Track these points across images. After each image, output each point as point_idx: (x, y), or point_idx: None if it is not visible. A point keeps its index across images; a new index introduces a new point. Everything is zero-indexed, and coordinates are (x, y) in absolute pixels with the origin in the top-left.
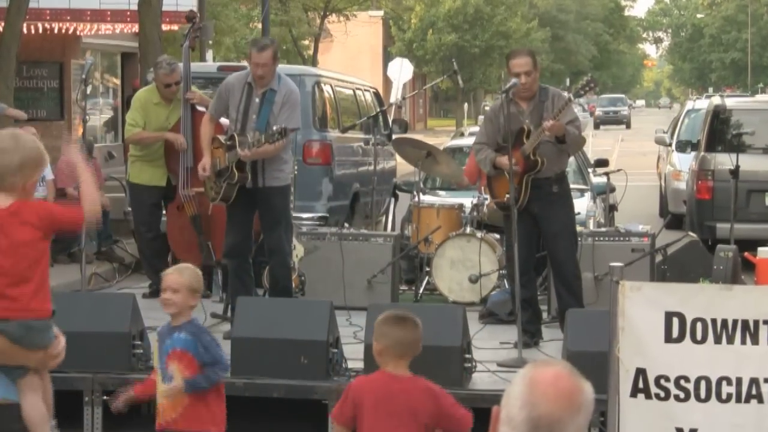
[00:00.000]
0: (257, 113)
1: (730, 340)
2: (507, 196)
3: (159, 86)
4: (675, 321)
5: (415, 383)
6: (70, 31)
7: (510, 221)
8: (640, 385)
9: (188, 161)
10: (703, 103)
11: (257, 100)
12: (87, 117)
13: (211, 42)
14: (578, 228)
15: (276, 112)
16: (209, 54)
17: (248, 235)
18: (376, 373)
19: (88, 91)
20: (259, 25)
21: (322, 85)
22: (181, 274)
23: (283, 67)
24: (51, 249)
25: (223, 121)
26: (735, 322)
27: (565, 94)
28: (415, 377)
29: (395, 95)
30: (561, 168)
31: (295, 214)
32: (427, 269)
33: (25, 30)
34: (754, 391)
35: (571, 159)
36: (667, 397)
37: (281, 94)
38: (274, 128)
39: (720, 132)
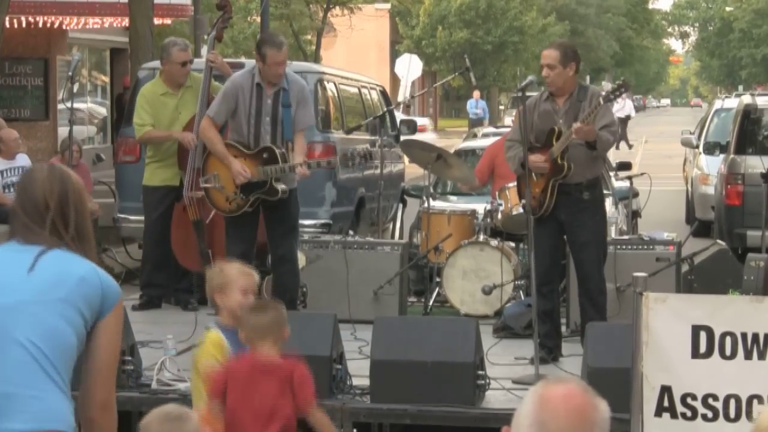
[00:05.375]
0: (270, 115)
1: (762, 356)
2: (523, 201)
3: (173, 68)
4: (702, 335)
5: (283, 366)
6: (56, 25)
7: (535, 227)
8: (666, 403)
9: (198, 161)
10: (732, 102)
11: (269, 101)
12: (74, 117)
13: (206, 37)
14: None
15: (293, 114)
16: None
17: (254, 245)
18: (246, 355)
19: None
20: (258, 19)
21: (325, 83)
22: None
23: None
24: None
25: None
26: (767, 336)
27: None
28: (283, 361)
29: (403, 94)
30: (593, 174)
31: None
32: (438, 280)
33: (7, 24)
34: None
35: None
36: (694, 417)
37: (293, 93)
38: (324, 160)
39: (751, 133)
